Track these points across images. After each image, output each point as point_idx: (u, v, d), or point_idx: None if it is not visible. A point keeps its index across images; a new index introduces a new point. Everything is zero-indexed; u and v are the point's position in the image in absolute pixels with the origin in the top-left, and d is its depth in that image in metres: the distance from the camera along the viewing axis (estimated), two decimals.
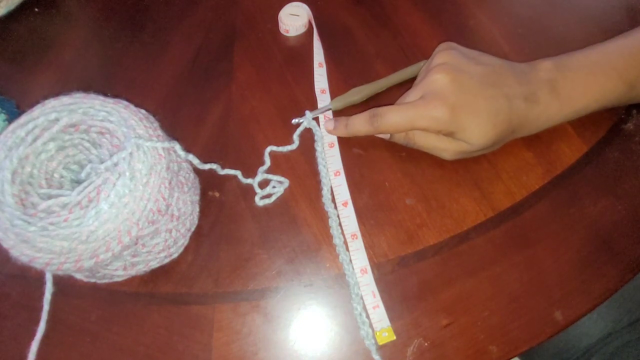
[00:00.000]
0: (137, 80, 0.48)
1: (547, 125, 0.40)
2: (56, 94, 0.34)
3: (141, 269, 0.36)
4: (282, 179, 0.41)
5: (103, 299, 0.37)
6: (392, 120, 0.39)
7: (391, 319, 0.35)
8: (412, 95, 0.40)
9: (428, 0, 0.52)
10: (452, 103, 0.37)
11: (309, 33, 0.51)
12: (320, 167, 0.41)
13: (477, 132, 0.37)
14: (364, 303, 0.35)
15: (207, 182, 0.41)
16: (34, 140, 0.32)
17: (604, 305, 0.36)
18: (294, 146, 0.43)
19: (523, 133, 0.40)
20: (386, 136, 0.42)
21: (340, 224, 0.39)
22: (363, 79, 0.45)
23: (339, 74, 0.47)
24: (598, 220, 0.38)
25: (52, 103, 0.33)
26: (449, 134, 0.38)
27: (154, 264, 0.36)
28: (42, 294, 0.35)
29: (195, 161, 0.36)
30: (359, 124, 0.41)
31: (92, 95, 0.34)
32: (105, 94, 0.34)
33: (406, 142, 0.41)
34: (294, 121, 0.44)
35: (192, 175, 0.39)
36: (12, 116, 0.42)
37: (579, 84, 0.39)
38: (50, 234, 0.29)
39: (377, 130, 0.40)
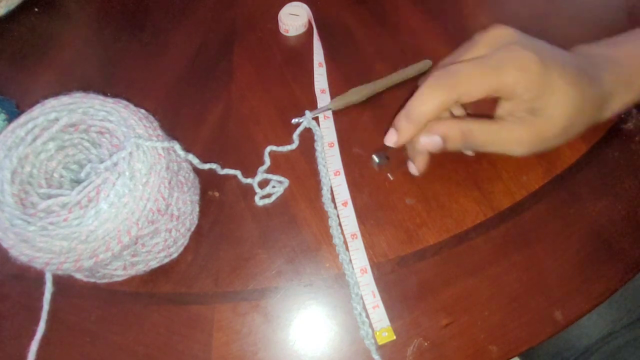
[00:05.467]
0: (137, 80, 0.48)
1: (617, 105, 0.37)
2: (56, 93, 0.34)
3: (141, 268, 0.36)
4: (281, 178, 0.41)
5: (103, 299, 0.37)
6: (470, 76, 0.32)
7: (391, 319, 0.35)
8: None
9: (428, 0, 0.52)
10: (536, 50, 0.32)
11: (308, 33, 0.51)
12: (320, 167, 0.41)
13: (565, 93, 0.32)
14: (363, 303, 0.35)
15: (207, 182, 0.41)
16: (34, 139, 0.32)
17: (603, 305, 0.36)
18: (293, 146, 0.43)
19: (599, 115, 0.36)
20: (436, 143, 0.34)
21: (340, 224, 0.39)
22: (363, 79, 0.45)
23: (339, 74, 0.47)
24: (598, 220, 0.38)
25: (51, 103, 0.33)
26: (533, 100, 0.32)
27: (154, 264, 0.36)
28: (41, 294, 0.35)
29: (195, 161, 0.36)
30: (427, 93, 0.33)
31: (92, 95, 0.34)
32: (105, 94, 0.34)
33: (464, 144, 0.35)
34: (294, 121, 0.44)
35: (192, 175, 0.39)
36: (12, 116, 0.42)
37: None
38: (49, 234, 0.29)
39: (454, 93, 0.32)
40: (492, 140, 0.35)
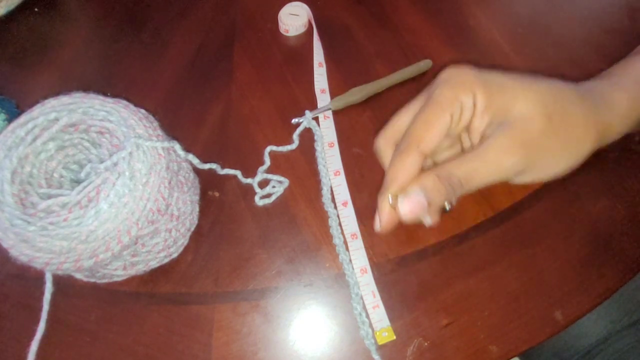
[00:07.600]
0: (137, 80, 0.48)
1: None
2: (56, 93, 0.34)
3: (141, 268, 0.36)
4: (281, 178, 0.41)
5: (103, 299, 0.37)
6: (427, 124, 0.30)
7: (391, 319, 0.35)
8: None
9: (428, 0, 0.52)
10: (491, 79, 0.30)
11: (308, 33, 0.51)
12: (320, 167, 0.41)
13: (520, 88, 0.29)
14: (363, 303, 0.35)
15: (207, 182, 0.41)
16: (34, 139, 0.32)
17: (603, 306, 0.36)
18: (293, 146, 0.43)
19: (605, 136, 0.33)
20: (421, 203, 0.30)
21: (340, 224, 0.39)
22: (363, 79, 0.45)
23: (338, 74, 0.47)
24: (598, 220, 0.38)
25: (51, 103, 0.33)
26: (489, 106, 0.29)
27: (154, 264, 0.36)
28: (41, 293, 0.35)
29: (195, 161, 0.36)
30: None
31: (92, 95, 0.34)
32: (105, 94, 0.34)
33: (450, 191, 0.30)
34: (294, 121, 0.44)
35: (192, 175, 0.39)
36: (12, 116, 0.42)
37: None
38: (49, 234, 0.29)
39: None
40: (477, 168, 0.30)
